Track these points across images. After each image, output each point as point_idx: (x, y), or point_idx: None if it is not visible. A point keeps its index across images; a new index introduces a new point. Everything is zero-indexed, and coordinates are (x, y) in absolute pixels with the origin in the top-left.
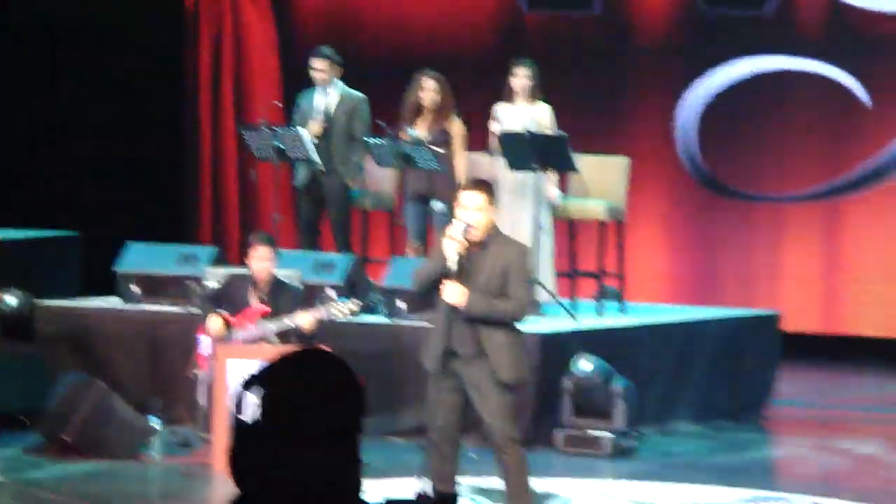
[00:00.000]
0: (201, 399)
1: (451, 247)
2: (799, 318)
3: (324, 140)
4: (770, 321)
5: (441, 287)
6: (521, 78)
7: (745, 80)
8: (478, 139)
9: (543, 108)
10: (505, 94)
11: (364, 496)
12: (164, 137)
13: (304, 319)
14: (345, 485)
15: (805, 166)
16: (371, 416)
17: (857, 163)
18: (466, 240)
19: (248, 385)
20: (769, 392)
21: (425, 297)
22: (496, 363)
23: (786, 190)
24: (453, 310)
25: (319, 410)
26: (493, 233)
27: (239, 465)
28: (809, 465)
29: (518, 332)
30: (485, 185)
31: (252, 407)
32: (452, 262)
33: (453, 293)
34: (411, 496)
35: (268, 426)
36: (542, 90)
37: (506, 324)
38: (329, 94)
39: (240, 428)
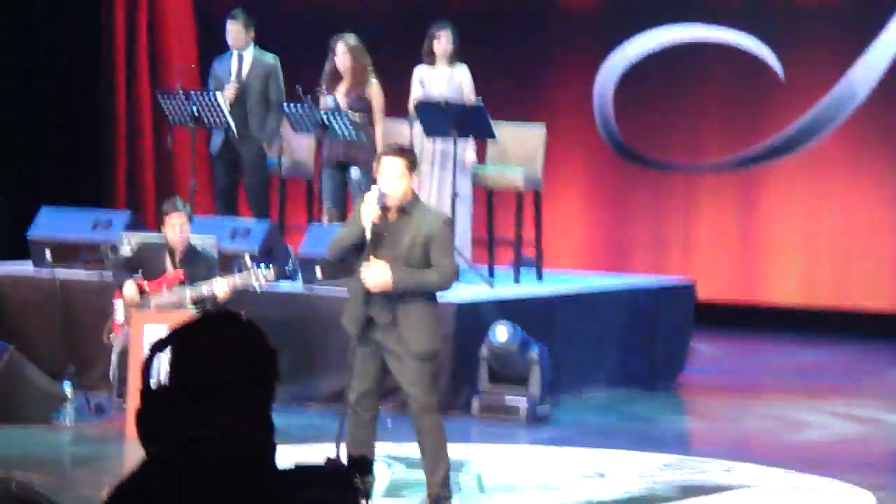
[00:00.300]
0: (115, 365)
1: (368, 214)
2: (713, 287)
3: (238, 105)
4: (685, 289)
5: (357, 255)
6: (442, 42)
7: (661, 49)
8: (397, 104)
9: (463, 70)
10: (425, 57)
11: (276, 461)
12: (79, 101)
13: (220, 286)
14: (256, 449)
15: (719, 136)
16: (286, 382)
17: (770, 133)
18: (383, 206)
19: (156, 347)
20: (684, 360)
21: (341, 264)
22: (409, 335)
23: (700, 160)
24: None
25: (229, 373)
26: (414, 200)
27: (147, 428)
28: (722, 432)
29: (434, 301)
30: (405, 152)
31: (161, 370)
32: (368, 230)
33: (378, 274)
34: (321, 461)
35: (176, 389)
36: (459, 53)
37: (425, 294)
38: (243, 57)
39: (148, 390)
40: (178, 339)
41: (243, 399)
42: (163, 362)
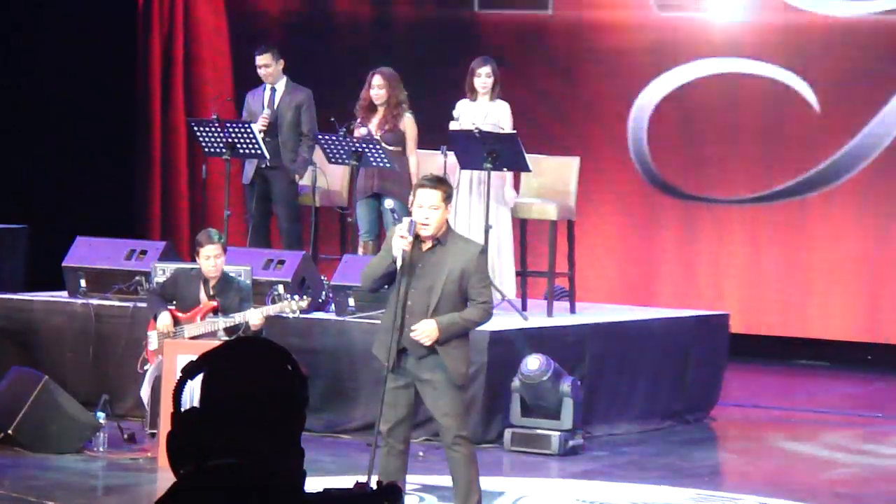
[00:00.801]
0: (148, 394)
1: (398, 244)
2: (747, 319)
3: (270, 136)
4: (719, 321)
5: (391, 284)
6: (483, 77)
7: (696, 82)
8: (433, 136)
9: (502, 106)
10: (468, 92)
11: (304, 488)
12: (115, 132)
13: (254, 315)
14: (285, 475)
15: (754, 168)
16: (318, 412)
17: (805, 166)
18: (415, 236)
19: (188, 372)
20: (717, 392)
21: (373, 294)
22: (448, 367)
23: (735, 192)
24: (405, 308)
25: (259, 399)
26: (448, 232)
27: (177, 451)
28: (756, 466)
29: (467, 334)
30: (441, 183)
31: (191, 394)
32: (399, 260)
33: (425, 331)
34: (350, 486)
35: (206, 413)
36: (501, 88)
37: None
38: (276, 90)
39: (179, 414)
40: (208, 364)
41: (272, 425)
42: (194, 387)
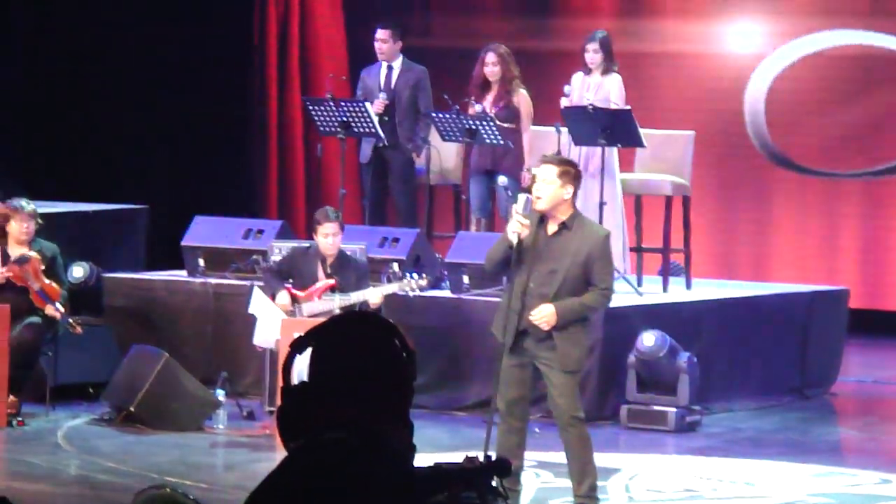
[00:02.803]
0: (267, 372)
1: (513, 227)
2: (867, 294)
3: (389, 115)
4: (838, 297)
5: (510, 264)
6: (590, 53)
7: (812, 55)
8: (546, 112)
9: (614, 79)
10: (583, 67)
11: (413, 461)
12: (232, 111)
13: (373, 294)
14: (394, 449)
15: (873, 142)
16: (435, 389)
17: None
18: (542, 219)
19: (296, 347)
20: (836, 368)
21: (496, 276)
22: (564, 351)
23: (852, 166)
24: (526, 291)
25: (366, 372)
26: (575, 215)
27: (287, 425)
28: (877, 443)
29: (586, 319)
30: (562, 162)
31: (301, 367)
32: (514, 242)
33: (544, 316)
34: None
35: (315, 387)
36: (614, 62)
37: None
38: (392, 68)
39: (289, 388)
40: (316, 339)
41: (380, 399)
42: (303, 362)
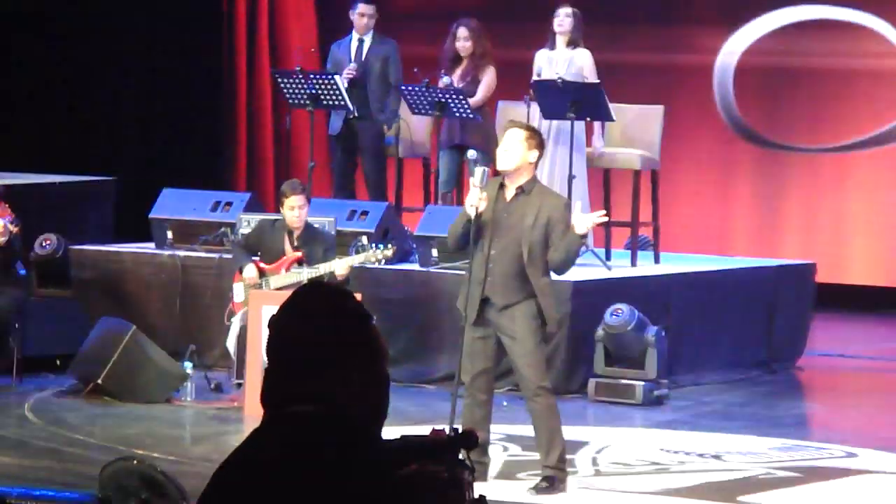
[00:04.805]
0: (234, 345)
1: (471, 199)
2: (833, 269)
3: (358, 87)
4: (805, 271)
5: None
6: (560, 17)
7: (781, 29)
8: (515, 87)
9: (584, 54)
10: (549, 40)
11: (380, 434)
12: (201, 84)
13: (339, 266)
14: (361, 420)
15: (840, 116)
16: (403, 362)
17: (894, 113)
18: (501, 185)
19: (270, 323)
20: (803, 342)
21: (460, 251)
22: (530, 316)
23: (821, 141)
24: (489, 259)
25: (326, 342)
26: (533, 181)
27: (266, 398)
28: (843, 416)
29: (550, 282)
30: (529, 128)
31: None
32: (472, 215)
33: (585, 222)
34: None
35: (280, 361)
36: (582, 36)
37: (546, 272)
38: (363, 41)
39: (267, 363)
40: (278, 315)
41: (344, 370)
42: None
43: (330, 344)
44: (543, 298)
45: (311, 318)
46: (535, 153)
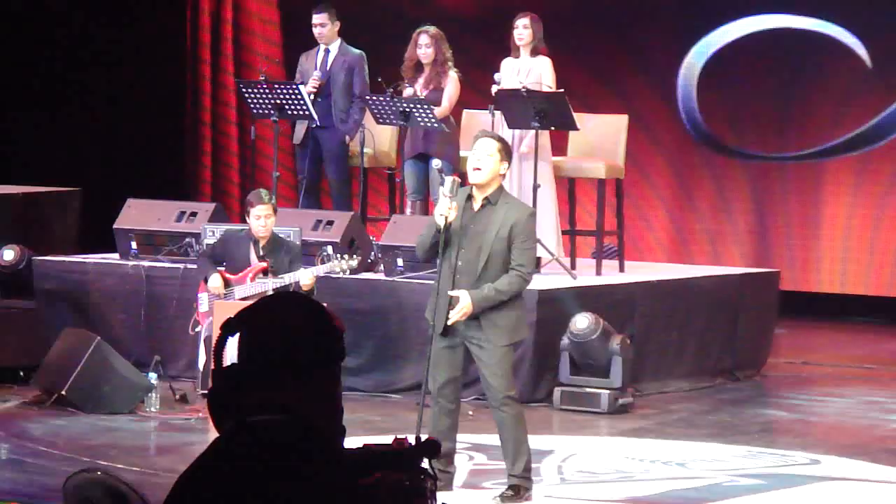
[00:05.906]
0: (200, 355)
1: (441, 208)
2: (797, 276)
3: (323, 97)
4: (768, 279)
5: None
6: (519, 29)
7: (744, 38)
8: (480, 96)
9: (544, 61)
10: (512, 50)
11: (342, 444)
12: (165, 94)
13: (304, 276)
14: (324, 430)
15: (804, 125)
16: (369, 371)
17: (857, 122)
18: (469, 197)
19: (227, 329)
20: (767, 350)
21: (428, 262)
22: (498, 325)
23: (785, 149)
24: (456, 270)
25: (293, 353)
26: (499, 192)
27: (218, 409)
28: (807, 423)
29: (518, 296)
30: (500, 139)
31: (229, 350)
32: (442, 225)
33: (461, 308)
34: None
35: (245, 370)
36: (544, 44)
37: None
38: (329, 51)
39: (219, 371)
40: (245, 321)
41: (309, 380)
42: (230, 342)
43: (302, 357)
44: (498, 318)
45: (285, 329)
46: (506, 164)
